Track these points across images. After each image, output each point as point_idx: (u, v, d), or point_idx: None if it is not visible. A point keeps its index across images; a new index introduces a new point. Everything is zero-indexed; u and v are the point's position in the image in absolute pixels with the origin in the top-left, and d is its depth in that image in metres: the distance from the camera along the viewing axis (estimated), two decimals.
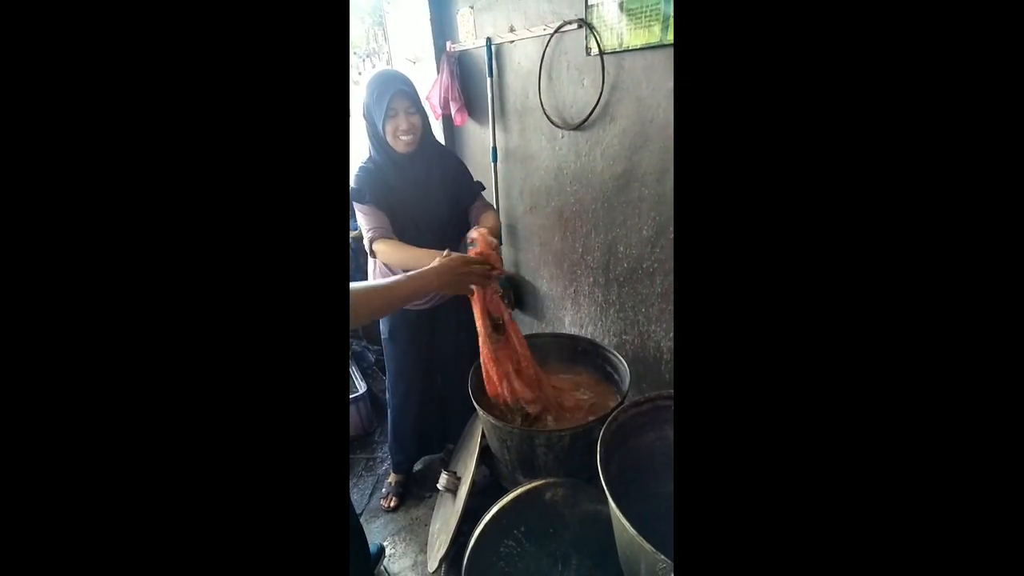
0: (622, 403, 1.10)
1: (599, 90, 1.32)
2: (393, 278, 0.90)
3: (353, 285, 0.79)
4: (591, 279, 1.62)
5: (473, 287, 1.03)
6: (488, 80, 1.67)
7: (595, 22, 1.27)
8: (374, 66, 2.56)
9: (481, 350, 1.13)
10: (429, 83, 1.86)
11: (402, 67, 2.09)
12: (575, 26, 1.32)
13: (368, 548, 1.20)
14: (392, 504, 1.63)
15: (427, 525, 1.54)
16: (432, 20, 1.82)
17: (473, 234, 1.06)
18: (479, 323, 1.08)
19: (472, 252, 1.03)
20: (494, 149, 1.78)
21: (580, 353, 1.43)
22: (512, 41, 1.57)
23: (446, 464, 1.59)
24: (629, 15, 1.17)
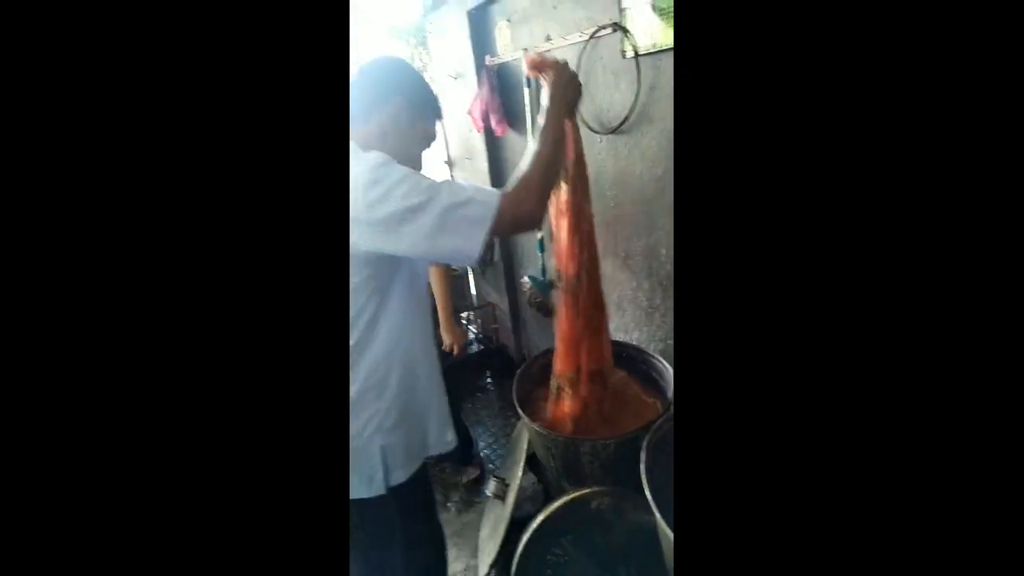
0: (668, 411, 1.07)
1: (636, 92, 1.30)
2: (539, 135, 0.80)
3: (517, 177, 0.73)
4: (634, 283, 1.59)
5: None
6: (526, 90, 1.69)
7: (629, 24, 1.26)
8: None
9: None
10: (470, 97, 1.91)
11: (444, 83, 2.17)
12: (609, 30, 1.32)
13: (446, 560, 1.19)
14: None
15: (477, 530, 1.57)
16: (471, 36, 1.87)
17: (531, 63, 0.94)
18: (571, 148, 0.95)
19: (538, 72, 0.92)
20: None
21: (625, 359, 1.41)
22: (548, 50, 1.59)
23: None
24: (662, 15, 1.15)
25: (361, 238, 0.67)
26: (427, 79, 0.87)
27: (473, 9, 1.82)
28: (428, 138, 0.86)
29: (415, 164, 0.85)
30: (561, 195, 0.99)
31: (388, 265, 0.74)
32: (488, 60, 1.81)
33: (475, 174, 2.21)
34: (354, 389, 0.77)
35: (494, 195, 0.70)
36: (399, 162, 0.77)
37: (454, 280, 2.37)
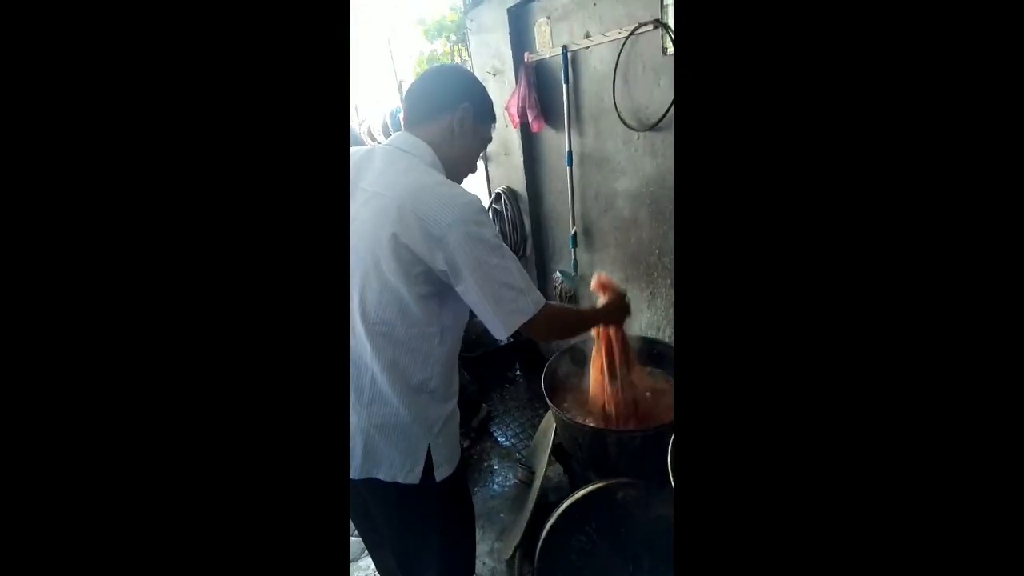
0: None
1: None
2: (582, 309, 1.06)
3: (559, 306, 0.97)
4: (668, 280, 1.59)
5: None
6: (564, 87, 1.71)
7: (671, 21, 1.26)
8: None
9: (593, 376, 1.25)
10: (508, 93, 1.94)
11: (483, 79, 2.20)
12: (651, 27, 1.32)
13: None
14: None
15: (503, 514, 1.62)
16: (511, 33, 1.90)
17: (599, 282, 1.13)
18: (602, 357, 1.20)
19: (606, 296, 1.12)
20: (569, 154, 1.81)
21: (656, 356, 1.42)
22: (587, 47, 1.59)
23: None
24: None
25: (440, 260, 0.75)
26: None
27: (513, 6, 1.84)
28: (486, 141, 0.94)
29: (472, 166, 0.95)
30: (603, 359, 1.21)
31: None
32: (527, 57, 1.84)
33: (510, 169, 2.24)
34: (420, 397, 0.85)
35: (541, 301, 0.80)
36: (460, 160, 0.89)
37: None
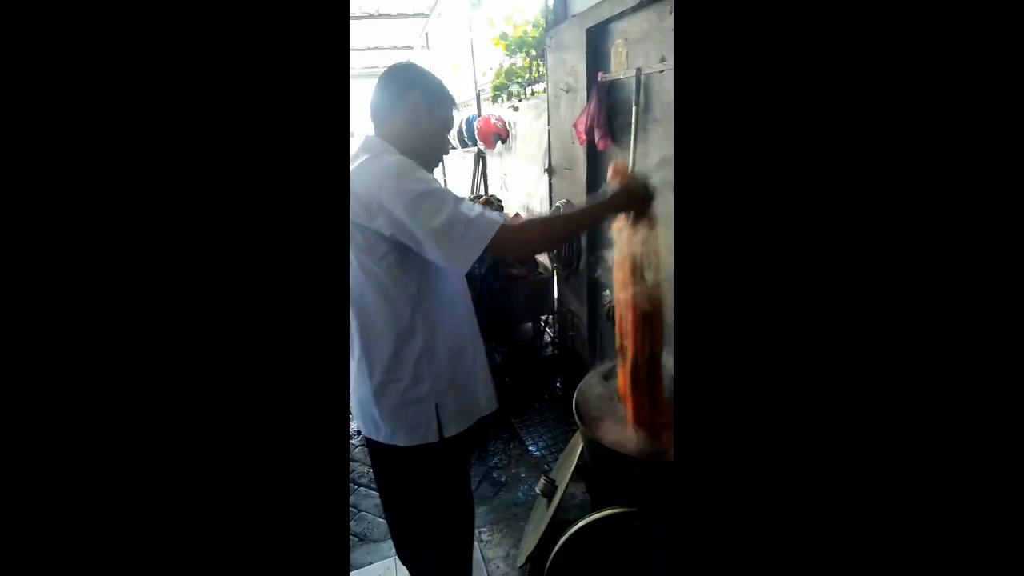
0: None
1: None
2: (578, 208, 0.93)
3: (529, 218, 0.88)
4: None
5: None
6: (634, 108, 1.71)
7: None
8: (533, 93, 2.79)
9: (617, 289, 1.02)
10: (578, 111, 1.97)
11: (556, 95, 2.25)
12: None
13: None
14: None
15: (522, 523, 1.64)
16: (587, 52, 1.93)
17: (615, 169, 0.98)
18: (625, 259, 0.97)
19: (617, 176, 0.96)
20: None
21: None
22: (661, 71, 1.59)
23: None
24: None
25: (384, 224, 0.81)
26: (442, 81, 0.98)
27: (593, 26, 1.87)
28: (447, 123, 0.98)
29: (442, 148, 0.99)
30: (632, 286, 1.00)
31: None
32: (600, 76, 1.86)
33: (573, 184, 2.27)
34: (413, 357, 0.94)
35: (497, 222, 0.81)
36: (426, 146, 0.94)
37: (536, 283, 2.45)
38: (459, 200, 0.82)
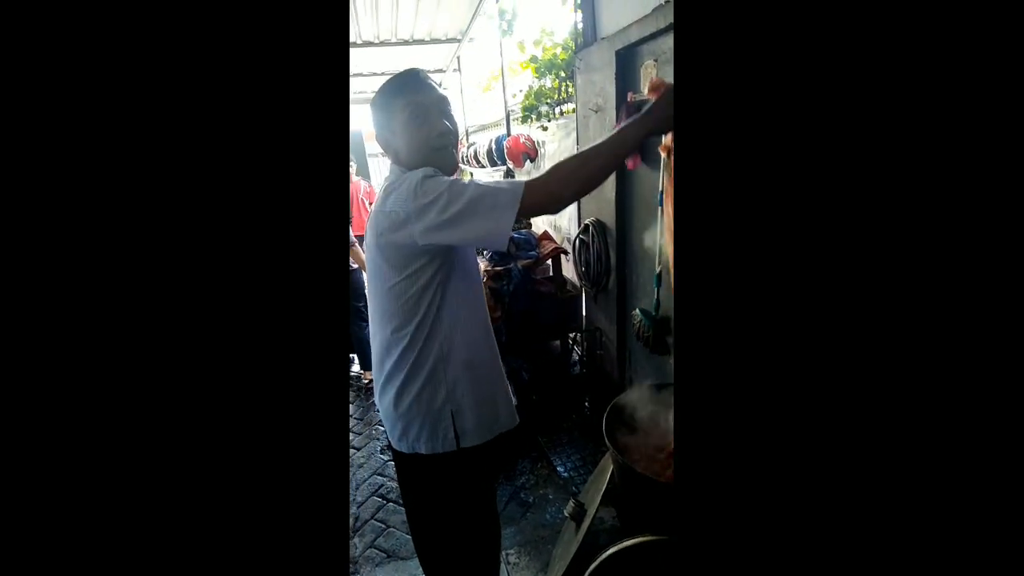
0: None
1: None
2: (605, 138, 0.83)
3: (552, 166, 0.82)
4: None
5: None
6: None
7: None
8: (562, 113, 2.82)
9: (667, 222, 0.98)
10: (607, 130, 1.99)
11: (585, 115, 2.28)
12: None
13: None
14: None
15: (550, 546, 1.61)
16: (617, 73, 1.95)
17: (652, 84, 0.96)
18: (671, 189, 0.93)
19: (654, 92, 0.91)
20: (661, 193, 1.80)
21: None
22: None
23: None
24: None
25: (418, 231, 0.84)
26: (435, 85, 0.97)
27: (622, 48, 1.89)
28: (444, 132, 0.95)
29: (446, 159, 0.95)
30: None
31: (442, 258, 0.91)
32: (630, 96, 1.87)
33: (602, 202, 2.27)
34: (429, 363, 0.96)
35: (520, 182, 0.82)
36: (424, 155, 0.93)
37: (564, 301, 2.44)
38: (477, 182, 0.84)
